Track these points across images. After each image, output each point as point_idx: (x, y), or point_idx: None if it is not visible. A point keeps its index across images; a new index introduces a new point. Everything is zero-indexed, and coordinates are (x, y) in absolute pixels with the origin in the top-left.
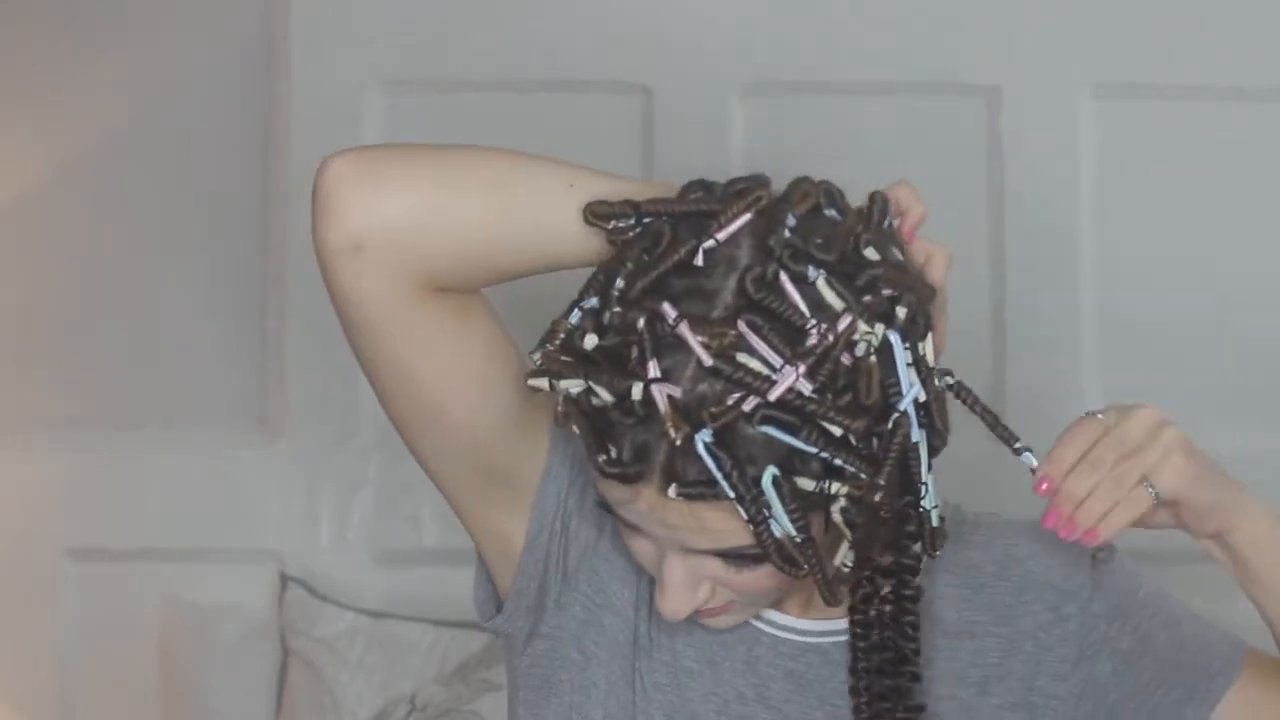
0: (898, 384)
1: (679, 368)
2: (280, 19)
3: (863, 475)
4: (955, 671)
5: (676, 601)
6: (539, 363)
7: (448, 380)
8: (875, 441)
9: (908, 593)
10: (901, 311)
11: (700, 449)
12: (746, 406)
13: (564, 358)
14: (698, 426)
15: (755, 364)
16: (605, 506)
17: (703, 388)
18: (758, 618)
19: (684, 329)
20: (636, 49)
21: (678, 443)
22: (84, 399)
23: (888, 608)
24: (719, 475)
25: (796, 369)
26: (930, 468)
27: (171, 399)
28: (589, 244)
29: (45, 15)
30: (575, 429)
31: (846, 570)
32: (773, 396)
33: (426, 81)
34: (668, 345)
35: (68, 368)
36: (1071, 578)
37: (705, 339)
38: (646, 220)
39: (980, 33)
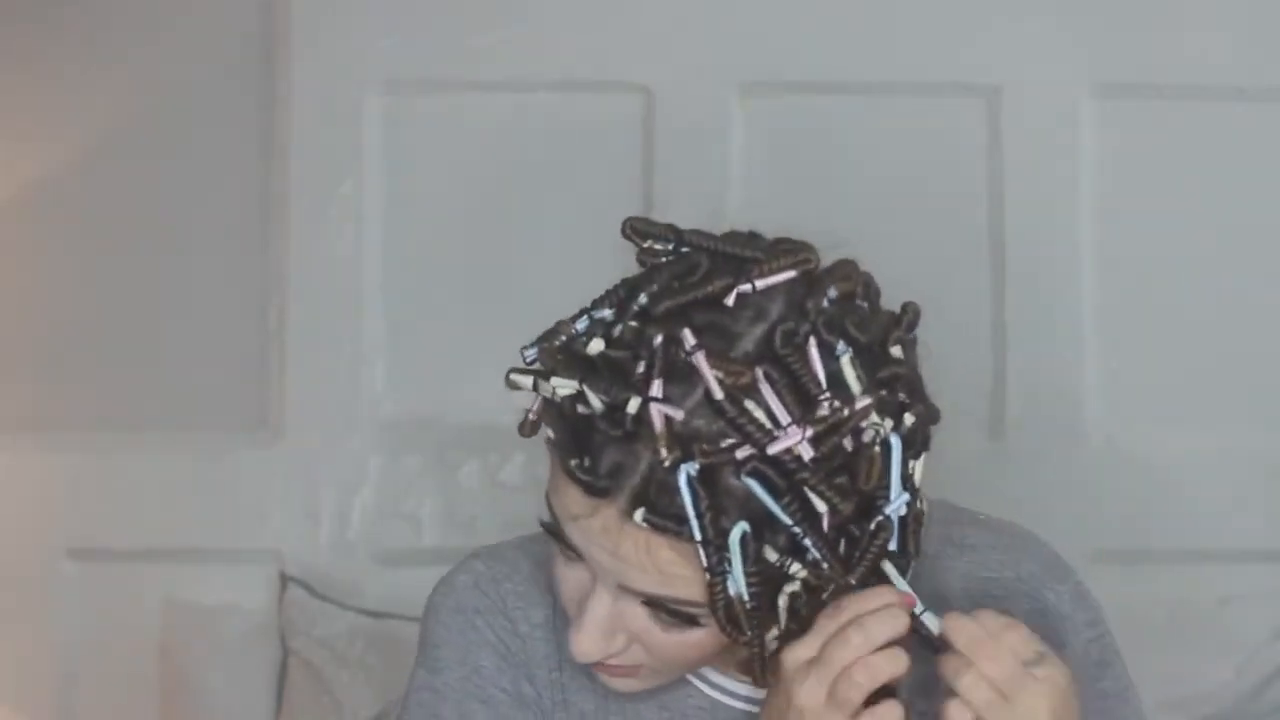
0: (888, 487)
1: (682, 396)
2: (280, 19)
3: (825, 567)
4: None
5: (590, 642)
6: (530, 359)
7: None
8: (846, 541)
9: None
10: (909, 419)
11: (681, 480)
12: (740, 454)
13: (560, 357)
14: (686, 458)
15: (761, 415)
16: (550, 529)
17: (701, 422)
18: (716, 687)
19: (700, 359)
20: (636, 49)
21: (665, 464)
22: (84, 399)
23: None
24: (692, 513)
25: (803, 431)
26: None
27: (172, 399)
28: None
29: (45, 15)
30: (548, 433)
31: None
32: (771, 450)
33: (426, 81)
34: (677, 371)
35: (68, 368)
36: (1055, 633)
37: (720, 374)
38: (684, 250)
39: (980, 33)
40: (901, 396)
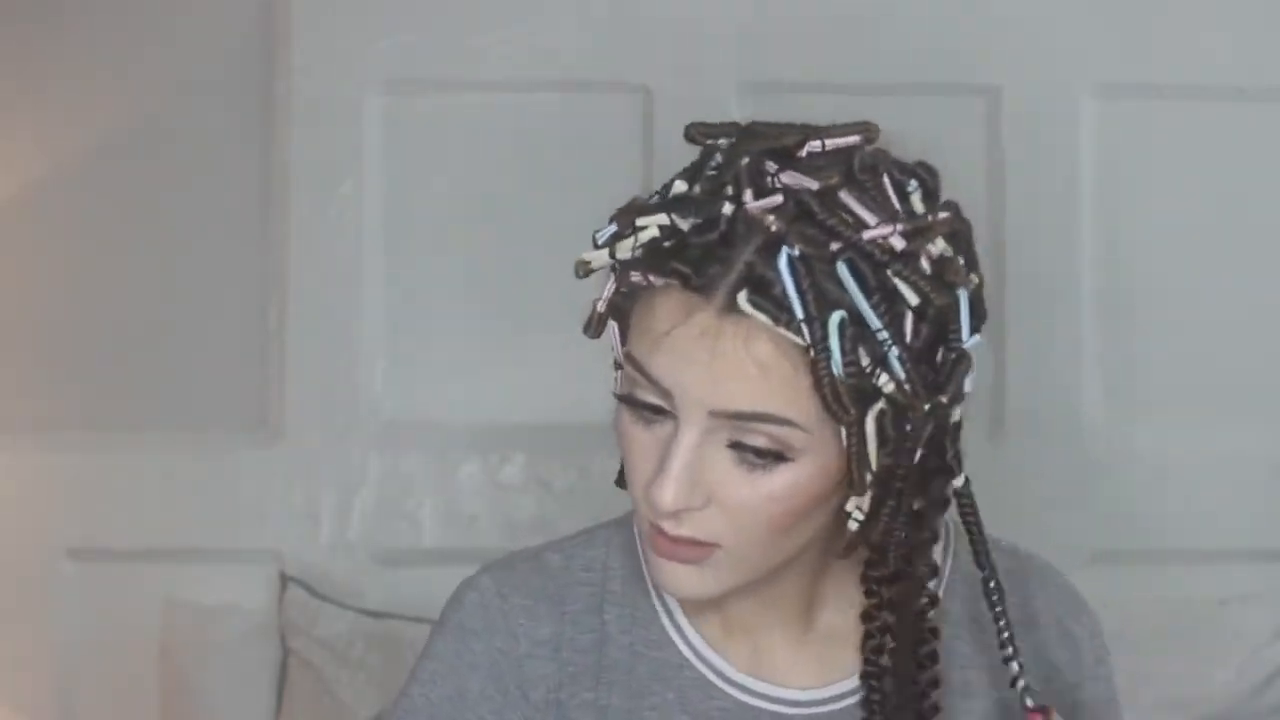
0: (959, 329)
1: (773, 203)
2: (280, 19)
3: (907, 385)
4: None
5: (674, 487)
6: (602, 239)
7: None
8: (928, 368)
9: (925, 626)
10: (974, 279)
11: (782, 262)
12: (834, 245)
13: (640, 210)
14: (786, 243)
15: (853, 212)
16: (626, 398)
17: (794, 222)
18: (738, 687)
19: (788, 176)
20: (636, 49)
21: (772, 230)
22: (84, 399)
23: (889, 661)
24: (793, 290)
25: (894, 225)
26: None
27: (172, 399)
28: None
29: (46, 15)
30: (632, 277)
31: (855, 525)
32: (866, 236)
33: (426, 81)
34: (765, 188)
35: (68, 368)
36: (1075, 667)
37: (810, 183)
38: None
39: (980, 33)
40: (961, 256)
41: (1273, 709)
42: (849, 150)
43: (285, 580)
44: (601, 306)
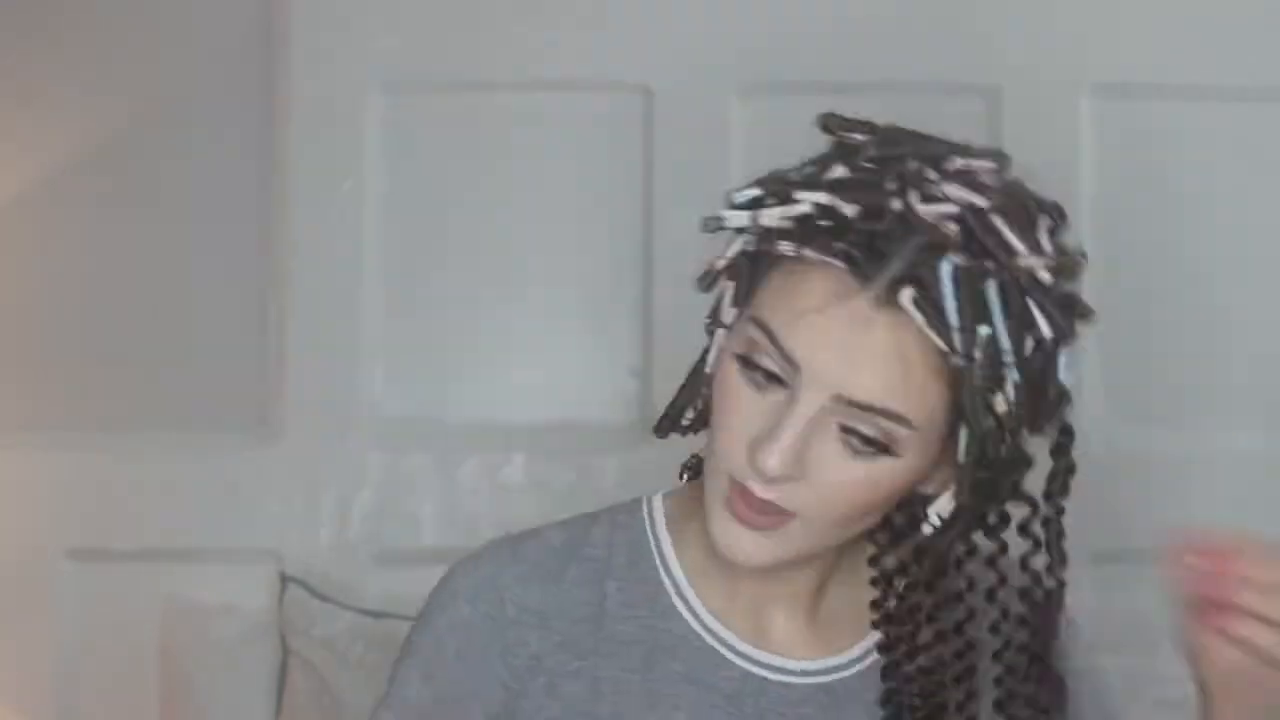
0: (1060, 365)
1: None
2: (280, 19)
3: (1014, 410)
4: None
5: (783, 455)
6: (742, 199)
7: None
8: (1035, 393)
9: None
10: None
11: (945, 271)
12: (989, 264)
13: (793, 183)
14: (951, 252)
15: (1005, 237)
16: (747, 355)
17: (955, 230)
18: (746, 659)
19: (951, 186)
20: (636, 49)
21: (948, 237)
22: (84, 399)
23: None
24: (952, 300)
25: (1042, 257)
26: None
27: (171, 399)
28: None
29: (46, 15)
30: (780, 246)
31: (930, 530)
32: (1021, 264)
33: (426, 81)
34: (927, 191)
35: (68, 368)
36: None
37: (976, 196)
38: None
39: (980, 33)
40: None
41: None
42: (987, 174)
43: (285, 580)
44: (722, 264)
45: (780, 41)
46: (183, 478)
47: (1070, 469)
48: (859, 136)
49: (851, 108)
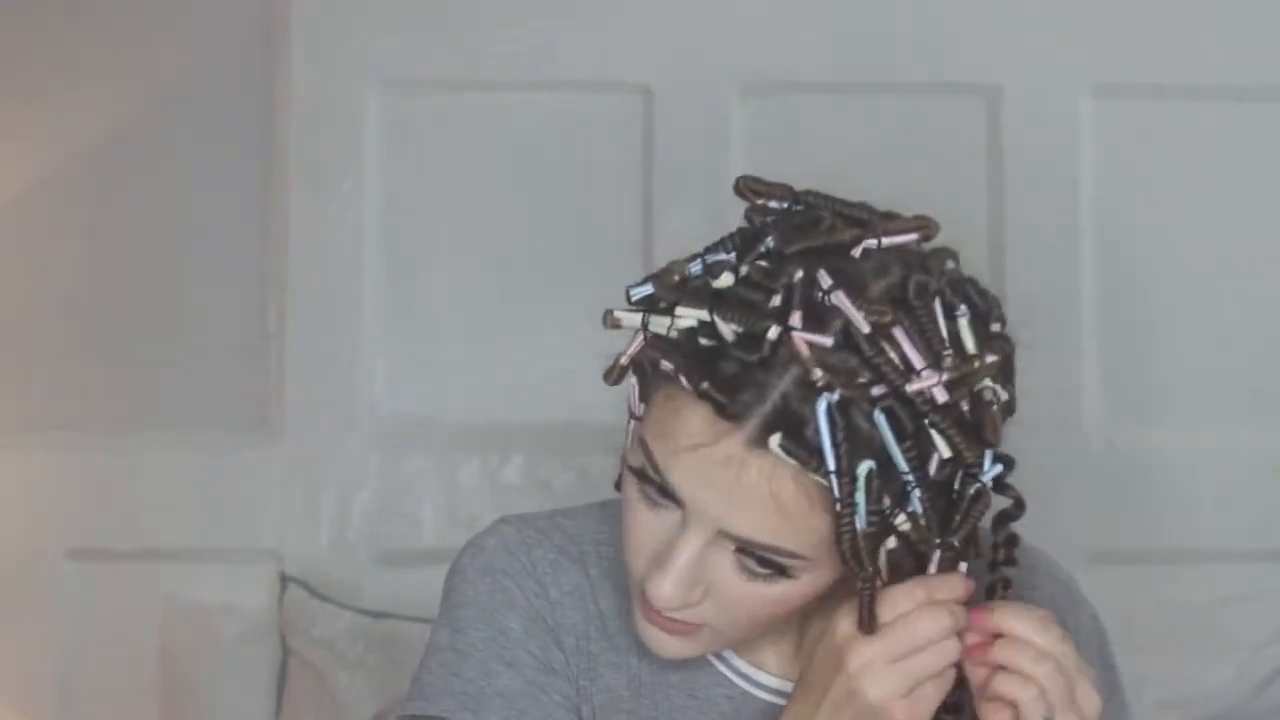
0: (981, 467)
1: (820, 330)
2: (280, 19)
3: (923, 521)
4: None
5: (675, 587)
6: (637, 298)
7: None
8: (945, 504)
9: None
10: (1005, 396)
11: (821, 409)
12: (875, 390)
13: (681, 291)
14: (828, 388)
15: (894, 357)
16: (640, 472)
17: (838, 357)
18: (744, 678)
19: (841, 296)
20: (636, 49)
21: (809, 388)
22: (84, 399)
23: None
24: (829, 442)
25: (939, 375)
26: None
27: (171, 399)
28: None
29: (46, 15)
30: (664, 365)
31: None
32: (910, 389)
33: (426, 81)
34: (814, 306)
35: (68, 368)
36: None
37: (864, 312)
38: (799, 208)
39: (980, 33)
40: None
41: (1272, 709)
42: (904, 252)
43: (285, 580)
44: (625, 360)
45: (780, 41)
46: (183, 478)
47: (1012, 540)
48: (774, 204)
49: (852, 108)
